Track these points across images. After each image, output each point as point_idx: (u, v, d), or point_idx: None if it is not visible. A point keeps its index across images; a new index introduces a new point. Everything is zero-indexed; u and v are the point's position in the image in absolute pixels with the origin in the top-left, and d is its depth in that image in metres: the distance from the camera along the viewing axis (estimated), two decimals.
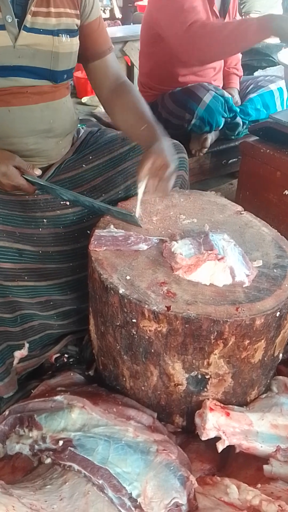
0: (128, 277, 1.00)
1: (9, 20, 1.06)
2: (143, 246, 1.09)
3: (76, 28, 1.19)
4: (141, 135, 1.18)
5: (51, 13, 1.11)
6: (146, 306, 0.93)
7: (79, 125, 1.41)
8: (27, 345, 1.21)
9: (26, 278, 1.15)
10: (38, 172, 1.14)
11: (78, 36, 1.20)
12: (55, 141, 1.25)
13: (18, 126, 1.16)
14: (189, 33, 1.70)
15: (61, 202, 1.21)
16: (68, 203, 1.22)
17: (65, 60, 1.17)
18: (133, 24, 4.32)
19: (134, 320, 0.96)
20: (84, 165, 1.29)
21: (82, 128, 1.45)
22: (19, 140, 1.17)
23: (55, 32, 1.12)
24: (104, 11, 4.91)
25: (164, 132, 1.18)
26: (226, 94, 2.01)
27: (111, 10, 5.08)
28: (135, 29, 3.21)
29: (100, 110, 3.34)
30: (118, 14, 5.00)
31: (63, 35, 1.14)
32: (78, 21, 1.19)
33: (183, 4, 1.73)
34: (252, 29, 1.59)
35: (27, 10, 1.07)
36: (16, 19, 1.07)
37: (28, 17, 1.08)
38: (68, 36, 1.15)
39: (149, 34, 2.00)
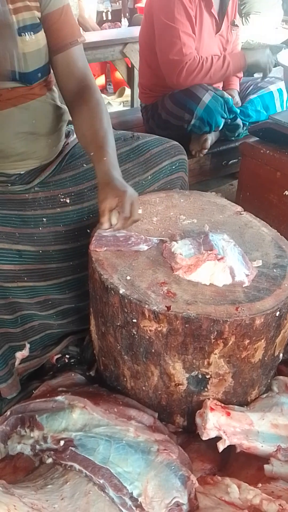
0: (128, 277, 1.00)
1: None
2: (144, 247, 1.09)
3: (39, 21, 1.12)
4: (92, 159, 1.13)
5: (10, 11, 1.04)
6: (147, 306, 0.94)
7: None
8: (28, 345, 1.21)
9: (25, 278, 1.16)
10: None
11: (43, 30, 1.13)
12: (44, 140, 1.23)
13: (0, 132, 1.13)
14: (178, 82, 1.94)
15: (61, 200, 1.21)
16: (68, 200, 1.21)
17: (34, 59, 1.11)
18: (132, 26, 4.32)
19: (134, 320, 0.97)
20: (85, 165, 1.30)
21: None
22: (6, 146, 1.16)
23: (17, 32, 1.06)
24: (107, 13, 4.87)
25: (112, 155, 1.11)
26: (226, 95, 2.01)
27: (113, 12, 5.06)
28: (135, 30, 3.22)
29: None
30: (124, 22, 4.93)
31: (26, 33, 1.07)
32: (39, 14, 1.11)
33: (175, 41, 1.87)
34: (230, 66, 1.97)
35: None
36: None
37: None
38: (32, 33, 1.09)
39: (147, 41, 2.02)
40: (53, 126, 1.25)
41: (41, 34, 1.13)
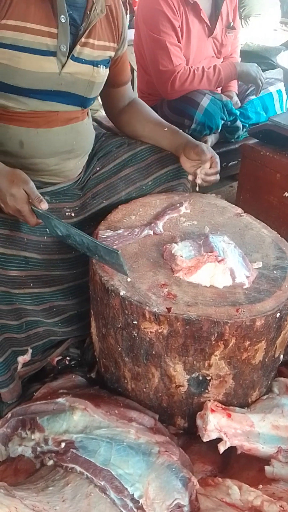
0: (129, 279, 1.00)
1: (63, 49, 1.09)
2: (149, 232, 1.14)
3: (109, 59, 1.24)
4: (165, 135, 1.32)
5: (95, 45, 1.16)
6: (147, 307, 0.94)
7: None
8: (30, 350, 1.21)
9: (32, 285, 1.16)
10: (45, 206, 1.05)
11: (109, 67, 1.25)
12: (74, 161, 1.27)
13: (43, 147, 1.18)
14: (173, 91, 1.98)
15: (66, 213, 1.23)
16: (73, 214, 1.24)
17: (97, 89, 1.23)
18: (133, 28, 4.32)
19: (135, 322, 0.97)
20: (91, 176, 1.32)
21: None
22: (41, 161, 1.19)
23: (95, 63, 1.17)
24: None
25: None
26: (224, 98, 2.02)
27: None
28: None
29: (101, 114, 3.35)
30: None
31: (101, 66, 1.19)
32: (113, 54, 1.24)
33: (164, 52, 1.91)
34: (222, 74, 2.01)
35: (77, 41, 1.11)
36: (68, 49, 1.10)
37: (77, 47, 1.11)
38: (104, 67, 1.21)
39: (141, 49, 2.05)
40: (86, 149, 1.32)
41: (107, 70, 1.25)
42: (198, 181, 1.30)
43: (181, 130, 1.36)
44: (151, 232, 1.15)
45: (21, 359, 1.19)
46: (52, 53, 1.08)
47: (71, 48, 1.10)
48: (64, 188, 1.27)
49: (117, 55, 1.27)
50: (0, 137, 1.15)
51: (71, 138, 1.22)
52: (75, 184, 1.30)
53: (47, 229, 1.11)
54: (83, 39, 1.12)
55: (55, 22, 1.06)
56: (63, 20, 1.06)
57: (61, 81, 1.12)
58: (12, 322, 1.15)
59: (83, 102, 1.21)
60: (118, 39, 1.23)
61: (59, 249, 1.19)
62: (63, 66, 1.10)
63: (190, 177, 1.34)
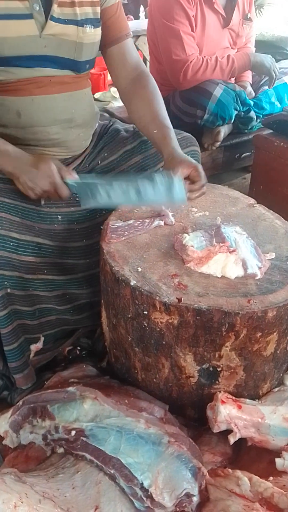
0: (139, 269, 1.00)
1: (37, 9, 1.07)
2: (160, 222, 1.13)
3: (99, 17, 1.19)
4: (153, 137, 1.22)
5: (75, 3, 1.12)
6: (157, 298, 0.94)
7: None
8: (42, 338, 1.22)
9: (45, 271, 1.17)
10: (76, 176, 1.09)
11: (101, 26, 1.21)
12: (77, 132, 1.26)
13: (41, 115, 1.17)
14: (185, 81, 1.97)
15: (76, 199, 1.21)
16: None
17: (88, 51, 1.18)
18: (145, 18, 4.30)
19: (145, 312, 0.97)
20: (99, 162, 1.31)
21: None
22: (42, 129, 1.19)
23: (80, 23, 1.13)
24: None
25: (174, 134, 1.21)
26: (238, 88, 2.00)
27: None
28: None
29: (113, 105, 3.34)
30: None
31: (87, 25, 1.15)
32: (98, 8, 1.19)
33: (177, 41, 1.90)
34: (235, 64, 1.99)
35: (53, 0, 1.09)
36: (42, 9, 1.08)
37: (55, 6, 1.09)
38: (92, 26, 1.16)
39: (154, 39, 2.03)
40: (88, 120, 1.30)
41: (99, 30, 1.20)
42: None
43: (172, 135, 1.19)
44: (162, 223, 1.14)
45: (34, 347, 1.20)
46: (28, 16, 1.07)
47: (48, 8, 1.09)
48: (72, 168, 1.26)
49: (102, 8, 1.20)
50: None
51: (69, 106, 1.20)
52: (82, 163, 1.29)
53: (79, 201, 1.13)
54: None
55: None
56: None
57: (44, 44, 1.10)
58: (25, 308, 1.16)
59: (74, 66, 1.17)
60: None
61: (70, 237, 1.19)
62: (43, 28, 1.09)
63: None
